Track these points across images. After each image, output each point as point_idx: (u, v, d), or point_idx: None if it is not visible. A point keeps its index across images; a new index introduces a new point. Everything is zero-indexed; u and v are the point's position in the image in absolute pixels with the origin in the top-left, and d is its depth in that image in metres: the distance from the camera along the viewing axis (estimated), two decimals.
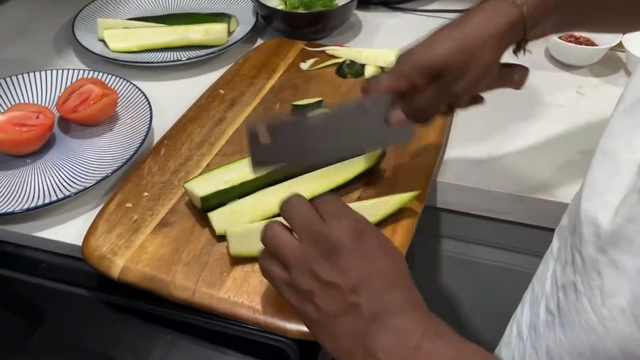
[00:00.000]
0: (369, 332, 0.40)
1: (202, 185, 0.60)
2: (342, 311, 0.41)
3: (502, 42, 0.53)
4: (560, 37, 0.88)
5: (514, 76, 0.58)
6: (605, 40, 0.86)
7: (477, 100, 0.60)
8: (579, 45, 0.86)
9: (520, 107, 0.80)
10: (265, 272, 0.47)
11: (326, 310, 0.42)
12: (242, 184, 0.61)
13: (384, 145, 0.65)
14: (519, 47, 0.56)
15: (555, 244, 0.51)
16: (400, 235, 0.59)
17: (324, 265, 0.42)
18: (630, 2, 0.56)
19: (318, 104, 0.75)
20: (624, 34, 0.84)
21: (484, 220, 0.73)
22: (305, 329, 0.50)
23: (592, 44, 0.88)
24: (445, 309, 0.89)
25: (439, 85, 0.52)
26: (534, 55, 0.90)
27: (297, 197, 0.47)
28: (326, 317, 0.42)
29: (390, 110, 0.55)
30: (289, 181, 0.63)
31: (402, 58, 0.54)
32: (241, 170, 0.62)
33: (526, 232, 0.73)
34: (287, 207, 0.46)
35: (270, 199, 0.60)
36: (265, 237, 0.46)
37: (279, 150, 0.53)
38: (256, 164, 0.54)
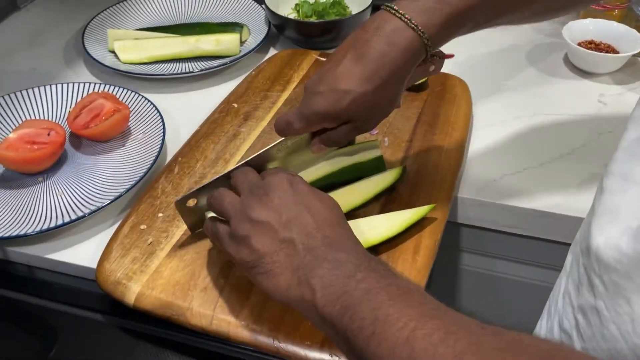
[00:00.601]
0: (304, 264, 0.42)
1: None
2: (276, 247, 0.44)
3: (402, 75, 0.52)
4: (579, 44, 0.86)
5: (430, 67, 0.56)
6: (626, 48, 0.84)
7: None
8: (599, 53, 0.84)
9: (541, 118, 0.78)
10: (210, 232, 0.51)
11: (262, 249, 0.44)
12: None
13: None
14: (425, 62, 0.54)
15: (568, 259, 0.50)
16: (422, 259, 0.57)
17: (257, 207, 0.46)
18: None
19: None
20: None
21: (506, 235, 0.71)
22: (326, 357, 0.49)
23: (614, 50, 0.86)
24: None
25: (350, 127, 0.53)
26: (552, 62, 0.88)
27: (245, 166, 0.53)
28: (262, 256, 0.44)
29: (312, 143, 0.56)
30: None
31: (309, 102, 0.52)
32: None
33: (549, 247, 0.71)
34: (235, 173, 0.53)
35: None
36: (211, 198, 0.51)
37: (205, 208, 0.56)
38: (193, 228, 0.59)
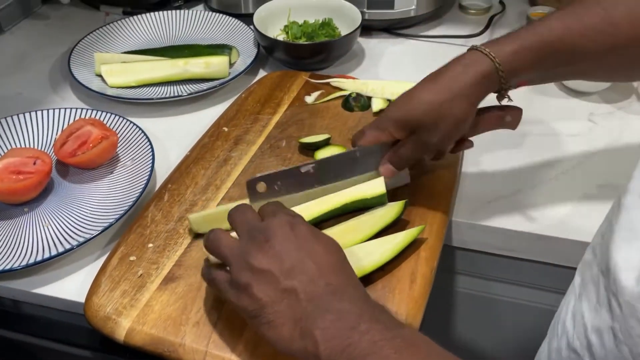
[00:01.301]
0: (306, 315, 0.41)
1: (204, 223, 0.61)
2: (278, 297, 0.43)
3: (472, 96, 0.55)
4: None
5: (507, 117, 0.60)
6: None
7: (464, 144, 0.62)
8: None
9: (533, 139, 0.78)
10: (208, 278, 0.49)
11: (264, 299, 0.43)
12: None
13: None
14: (500, 95, 0.58)
15: (577, 279, 0.49)
16: (419, 288, 0.56)
17: (259, 256, 0.44)
18: (605, 58, 0.56)
19: (326, 141, 0.72)
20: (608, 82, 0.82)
21: (501, 257, 0.71)
22: None
23: None
24: (461, 345, 0.86)
25: (415, 139, 0.57)
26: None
27: (243, 204, 0.51)
28: (264, 306, 0.43)
29: (381, 162, 0.61)
30: None
31: (385, 111, 0.60)
32: None
33: (545, 269, 0.70)
34: (232, 212, 0.50)
35: None
36: (207, 240, 0.49)
37: (277, 197, 0.59)
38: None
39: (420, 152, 0.59)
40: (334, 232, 0.59)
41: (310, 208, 0.60)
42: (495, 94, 0.58)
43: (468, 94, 0.55)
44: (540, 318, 0.78)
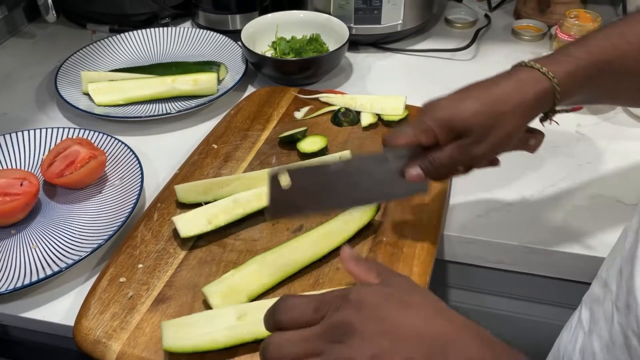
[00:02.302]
0: None
1: (188, 225, 0.61)
2: None
3: (529, 111, 0.53)
4: None
5: (531, 140, 0.58)
6: None
7: (493, 162, 0.59)
8: None
9: (521, 152, 0.78)
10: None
11: None
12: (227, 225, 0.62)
13: (399, 196, 0.63)
14: (546, 116, 0.56)
15: (584, 314, 0.48)
16: None
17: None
18: None
19: (303, 133, 0.75)
20: None
21: (493, 270, 0.71)
22: None
23: None
24: None
25: (459, 145, 0.53)
26: None
27: (295, 299, 0.40)
28: None
29: (408, 165, 0.55)
30: (286, 245, 0.60)
31: (427, 110, 0.54)
32: (225, 209, 0.63)
33: (537, 282, 0.70)
34: (273, 316, 0.40)
35: (267, 271, 0.57)
36: (269, 346, 0.38)
37: (298, 196, 0.53)
38: (274, 210, 0.53)
39: (459, 161, 0.54)
40: (309, 239, 0.61)
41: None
42: (540, 117, 0.56)
43: (524, 111, 0.52)
44: (533, 330, 0.78)
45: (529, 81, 0.52)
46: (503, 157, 0.75)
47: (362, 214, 0.63)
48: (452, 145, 0.53)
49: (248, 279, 0.57)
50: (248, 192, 0.65)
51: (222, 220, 0.62)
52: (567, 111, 0.57)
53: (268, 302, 0.44)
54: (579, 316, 0.49)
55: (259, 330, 0.47)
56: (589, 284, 0.51)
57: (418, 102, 0.83)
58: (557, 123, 0.57)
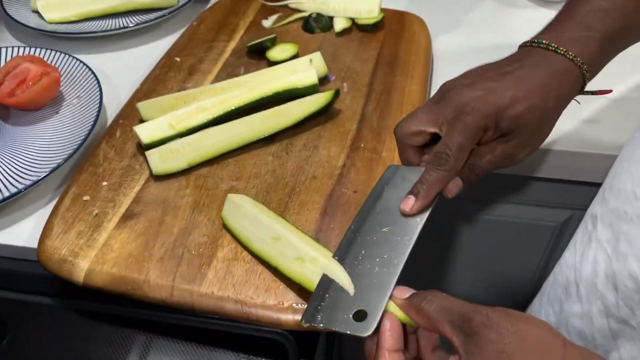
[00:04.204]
0: None
1: (149, 131, 0.58)
2: None
3: (565, 104, 0.47)
4: None
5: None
6: None
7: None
8: None
9: (504, 52, 0.74)
10: None
11: None
12: (188, 130, 0.59)
13: None
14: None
15: (603, 233, 0.45)
16: None
17: None
18: None
19: (272, 40, 0.72)
20: None
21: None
22: (298, 317, 0.45)
23: None
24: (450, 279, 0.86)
25: (501, 144, 0.45)
26: None
27: None
28: None
29: (449, 185, 0.44)
30: (236, 120, 0.60)
31: (465, 105, 0.44)
32: (189, 115, 0.60)
33: (523, 182, 0.69)
34: None
35: (212, 138, 0.58)
36: None
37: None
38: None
39: (499, 162, 0.46)
40: (262, 115, 0.60)
41: (242, 95, 0.61)
42: None
43: (562, 103, 0.46)
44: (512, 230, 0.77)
45: (561, 71, 0.45)
46: (483, 57, 0.72)
47: (318, 96, 0.62)
48: (492, 147, 0.45)
49: (191, 146, 0.57)
50: (213, 98, 0.61)
51: (184, 125, 0.58)
52: (592, 93, 0.50)
53: (297, 240, 0.46)
54: (590, 236, 0.47)
55: (280, 263, 0.47)
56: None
57: (395, 5, 0.79)
58: (578, 102, 0.50)
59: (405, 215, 0.44)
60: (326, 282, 0.42)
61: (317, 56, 0.66)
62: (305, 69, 0.64)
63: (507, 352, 0.32)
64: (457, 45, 0.76)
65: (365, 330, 0.38)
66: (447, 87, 0.47)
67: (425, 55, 0.71)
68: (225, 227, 0.52)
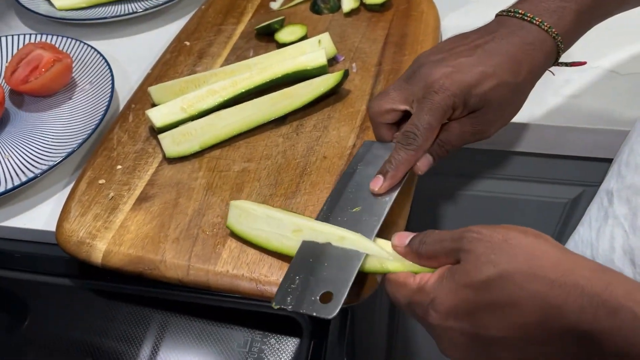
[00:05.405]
0: None
1: (161, 115, 0.59)
2: None
3: (537, 78, 0.47)
4: None
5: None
6: None
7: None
8: None
9: None
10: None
11: None
12: (200, 113, 0.59)
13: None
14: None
15: (620, 209, 0.46)
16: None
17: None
18: None
19: (280, 22, 0.72)
20: None
21: (484, 151, 0.69)
22: None
23: None
24: None
25: (468, 120, 0.45)
26: None
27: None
28: None
29: (420, 159, 0.46)
30: (246, 102, 0.60)
31: (434, 83, 0.44)
32: (200, 98, 0.60)
33: (521, 160, 0.69)
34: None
35: (223, 120, 0.58)
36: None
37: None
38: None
39: (466, 138, 0.46)
40: (271, 97, 0.60)
41: (251, 77, 0.61)
42: None
43: (534, 77, 0.46)
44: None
45: (535, 43, 0.45)
46: None
47: (328, 77, 0.61)
48: (461, 122, 0.45)
49: (203, 128, 0.58)
50: (223, 81, 0.61)
51: (195, 109, 0.59)
52: (566, 65, 0.50)
53: (321, 227, 0.45)
54: (606, 212, 0.47)
55: None
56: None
57: None
58: (552, 73, 0.51)
59: (375, 194, 0.45)
60: (297, 263, 0.43)
61: (325, 37, 0.67)
62: (314, 50, 0.64)
63: (495, 261, 0.32)
64: (465, 23, 0.75)
65: (330, 312, 0.38)
66: (419, 63, 0.47)
67: (433, 34, 0.71)
68: (234, 235, 0.50)
